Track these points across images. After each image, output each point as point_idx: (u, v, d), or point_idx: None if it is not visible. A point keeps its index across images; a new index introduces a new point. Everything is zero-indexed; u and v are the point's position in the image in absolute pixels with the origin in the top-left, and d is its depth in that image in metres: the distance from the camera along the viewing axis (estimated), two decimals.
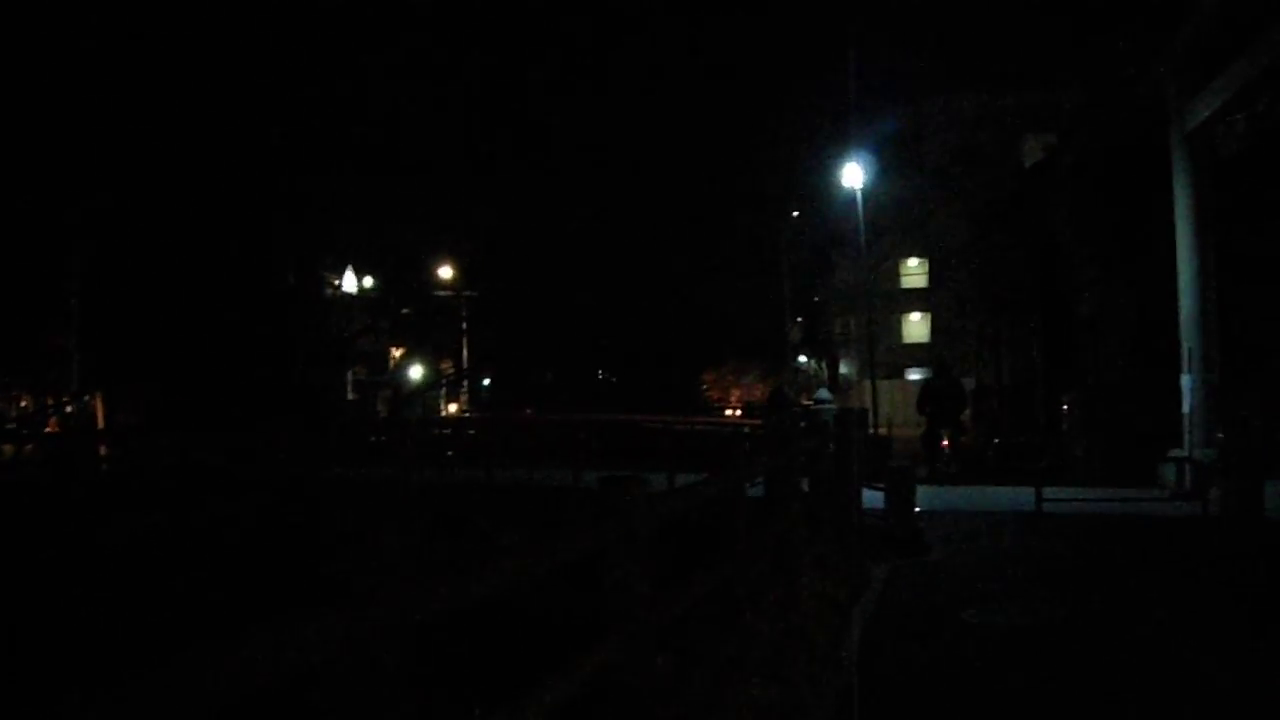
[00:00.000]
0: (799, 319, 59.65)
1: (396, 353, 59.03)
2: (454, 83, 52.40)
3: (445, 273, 55.56)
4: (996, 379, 34.97)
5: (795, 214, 48.87)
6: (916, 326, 57.25)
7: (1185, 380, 14.94)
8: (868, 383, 45.27)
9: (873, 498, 12.09)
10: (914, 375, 53.53)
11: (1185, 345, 16.20)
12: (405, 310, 52.27)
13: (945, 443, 19.61)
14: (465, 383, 59.72)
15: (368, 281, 50.18)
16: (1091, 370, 21.56)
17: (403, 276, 51.70)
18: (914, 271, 57.30)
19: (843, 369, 59.28)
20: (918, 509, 11.89)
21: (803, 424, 12.95)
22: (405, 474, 17.42)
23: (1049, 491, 12.43)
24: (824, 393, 17.45)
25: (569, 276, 56.61)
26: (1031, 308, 28.44)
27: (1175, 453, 16.06)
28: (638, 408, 40.46)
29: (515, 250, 54.00)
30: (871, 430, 19.29)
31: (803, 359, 63.77)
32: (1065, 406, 20.23)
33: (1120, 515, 12.78)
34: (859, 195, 22.15)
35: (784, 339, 52.71)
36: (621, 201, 58.07)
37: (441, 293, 55.09)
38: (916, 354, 55.54)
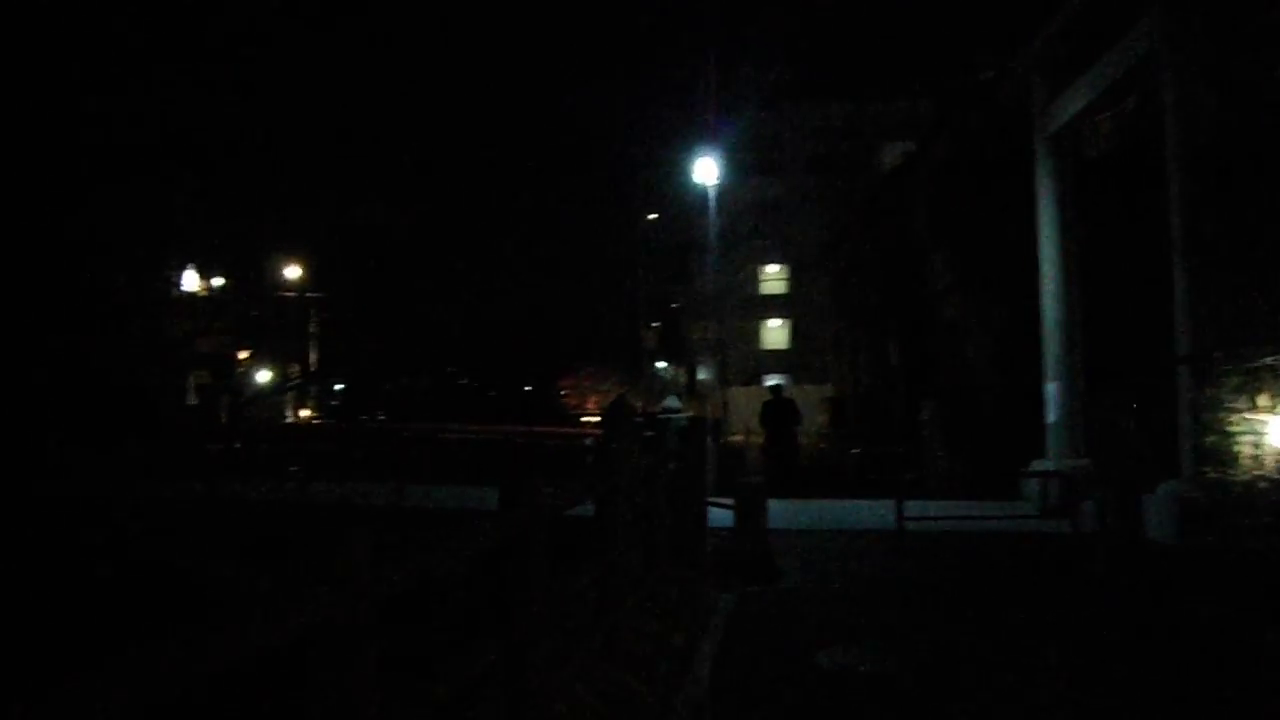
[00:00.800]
0: (655, 324, 58.83)
1: (243, 355, 56.37)
2: (299, 73, 50.23)
3: (292, 273, 53.20)
4: (854, 386, 34.51)
5: (652, 216, 47.99)
6: (776, 333, 56.97)
7: (1049, 388, 14.23)
8: (738, 390, 44.89)
9: (724, 515, 10.96)
10: (772, 381, 53.09)
11: (1048, 351, 15.57)
12: (252, 312, 49.93)
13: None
14: (313, 388, 57.27)
15: (218, 282, 47.82)
16: (952, 378, 20.97)
17: (247, 275, 49.34)
18: (774, 277, 57.17)
19: (701, 375, 58.65)
20: (770, 527, 10.81)
21: (646, 435, 11.76)
22: (211, 489, 15.73)
23: (911, 507, 11.42)
24: (672, 400, 16.34)
25: (419, 278, 54.89)
26: (890, 314, 27.92)
27: (1038, 464, 15.40)
28: (493, 415, 39.01)
29: (362, 250, 52.01)
30: (722, 440, 18.22)
31: (661, 365, 63.03)
32: (924, 414, 19.52)
33: (987, 533, 11.91)
34: (711, 192, 21.06)
35: (639, 344, 51.81)
36: (472, 200, 56.54)
37: (288, 294, 52.74)
38: (776, 360, 55.25)
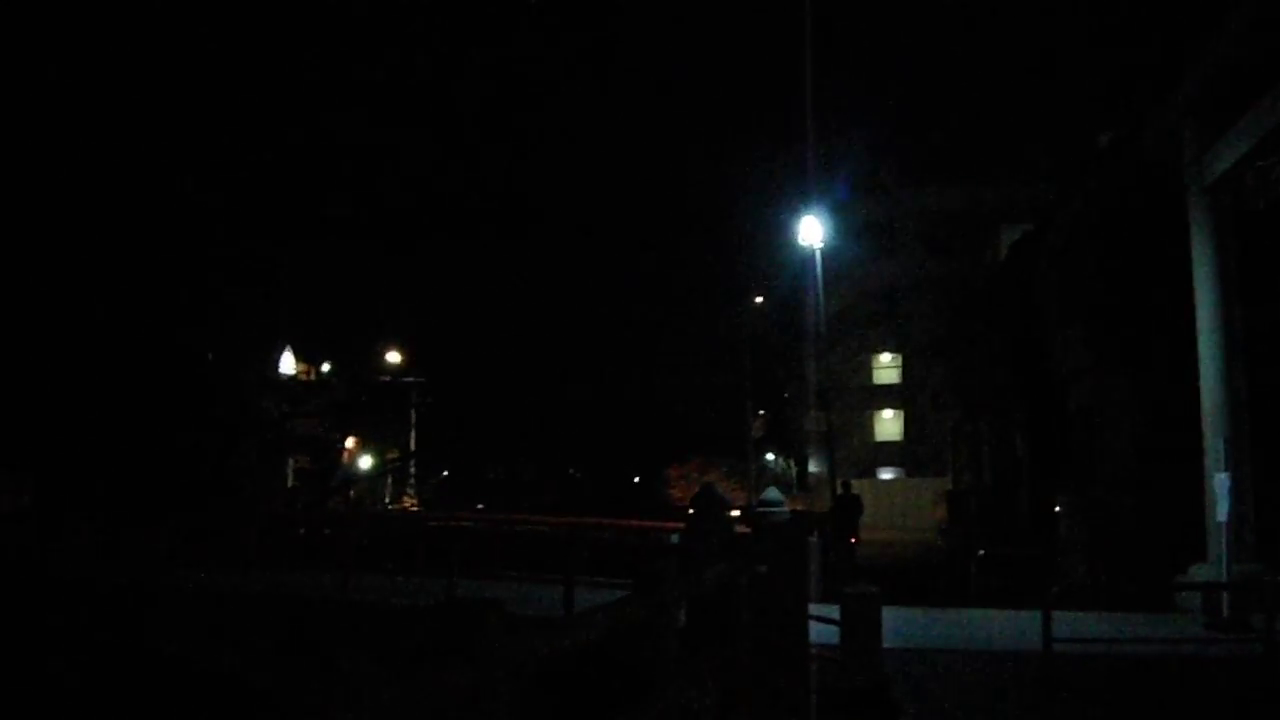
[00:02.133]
0: (761, 412, 56.83)
1: (350, 444, 55.84)
2: (407, 157, 50.20)
3: (393, 357, 52.59)
4: (975, 480, 31.98)
5: (758, 299, 46.24)
6: (889, 424, 54.60)
7: (1219, 480, 11.95)
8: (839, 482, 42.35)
9: (829, 629, 8.97)
10: (886, 474, 50.63)
11: (1210, 438, 13.29)
12: (351, 395, 49.50)
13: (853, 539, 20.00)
14: (413, 476, 56.26)
15: (324, 367, 47.57)
16: (1087, 470, 18.64)
17: (346, 359, 48.98)
18: (887, 366, 55.01)
19: (812, 468, 56.31)
20: (885, 645, 8.80)
21: (736, 531, 9.87)
22: (246, 579, 14.22)
23: (1056, 622, 9.28)
24: (772, 493, 14.27)
25: (523, 365, 53.99)
26: (1014, 402, 25.60)
27: (1200, 570, 13.07)
28: (598, 508, 37.36)
29: (466, 335, 51.42)
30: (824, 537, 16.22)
31: (770, 456, 60.81)
32: (1058, 509, 17.16)
33: (1155, 657, 9.61)
34: (817, 255, 19.06)
35: (747, 434, 49.84)
36: (578, 286, 55.65)
37: (388, 378, 52.16)
38: (889, 451, 52.82)
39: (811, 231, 18.86)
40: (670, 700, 4.45)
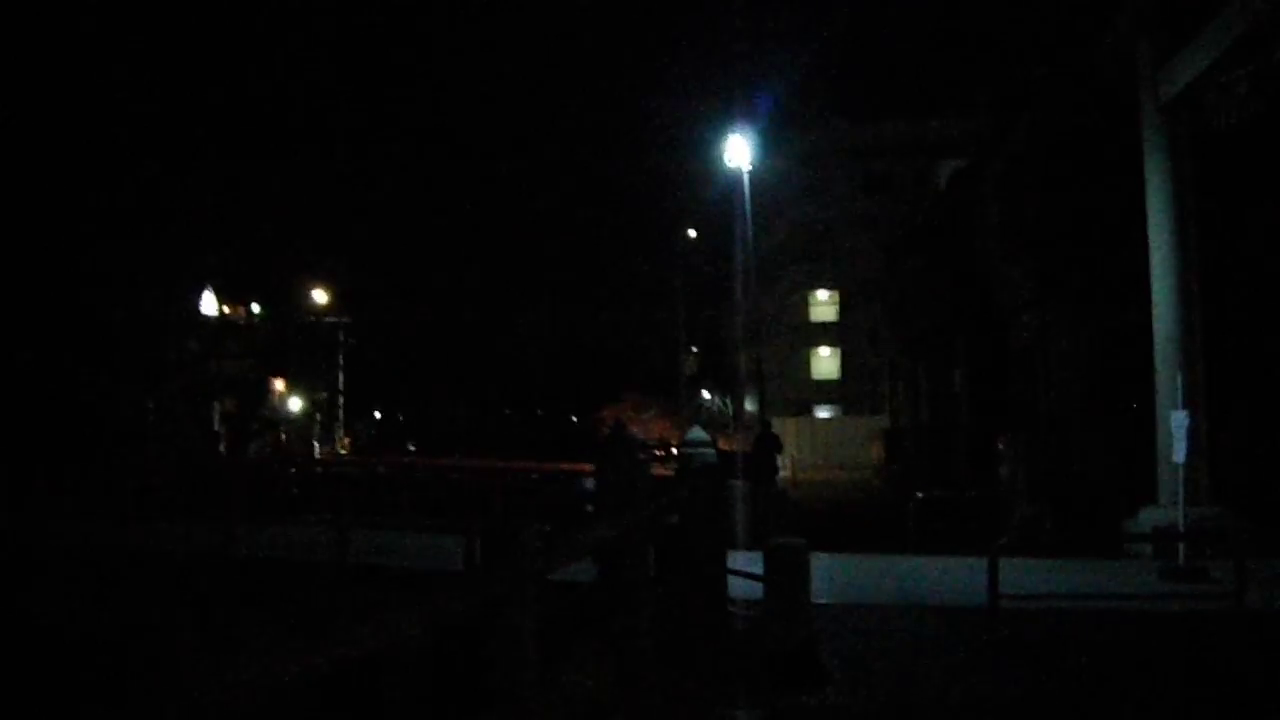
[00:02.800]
0: (695, 349, 55.85)
1: (280, 386, 54.20)
2: (326, 91, 48.39)
3: (321, 297, 50.86)
4: (913, 419, 31.29)
5: (691, 232, 45.05)
6: (826, 362, 53.86)
7: (1176, 419, 11.07)
8: (777, 421, 41.49)
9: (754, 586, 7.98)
10: (823, 413, 50.00)
11: (1164, 372, 12.46)
12: (276, 335, 48.08)
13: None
14: (340, 419, 54.74)
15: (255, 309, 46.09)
16: (1030, 408, 17.88)
17: (273, 299, 47.41)
18: (824, 303, 54.18)
19: (748, 406, 55.50)
20: (815, 601, 7.83)
21: (652, 474, 8.85)
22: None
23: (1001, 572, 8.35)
24: (697, 432, 13.29)
25: (452, 304, 52.54)
26: (953, 338, 24.82)
27: (1150, 513, 12.30)
28: (536, 451, 36.32)
29: (393, 273, 49.85)
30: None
31: (706, 395, 59.99)
32: (1001, 448, 16.31)
33: (1111, 614, 8.71)
34: (745, 177, 17.49)
35: (679, 372, 48.88)
36: (507, 219, 54.13)
37: (314, 318, 50.51)
38: (826, 390, 52.16)
39: (739, 152, 17.51)
40: (528, 705, 3.40)
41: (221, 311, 45.03)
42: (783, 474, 29.10)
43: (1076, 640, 7.89)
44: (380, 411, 65.42)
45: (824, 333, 53.69)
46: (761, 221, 57.51)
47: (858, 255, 48.34)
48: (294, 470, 26.91)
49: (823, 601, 8.28)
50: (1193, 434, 11.26)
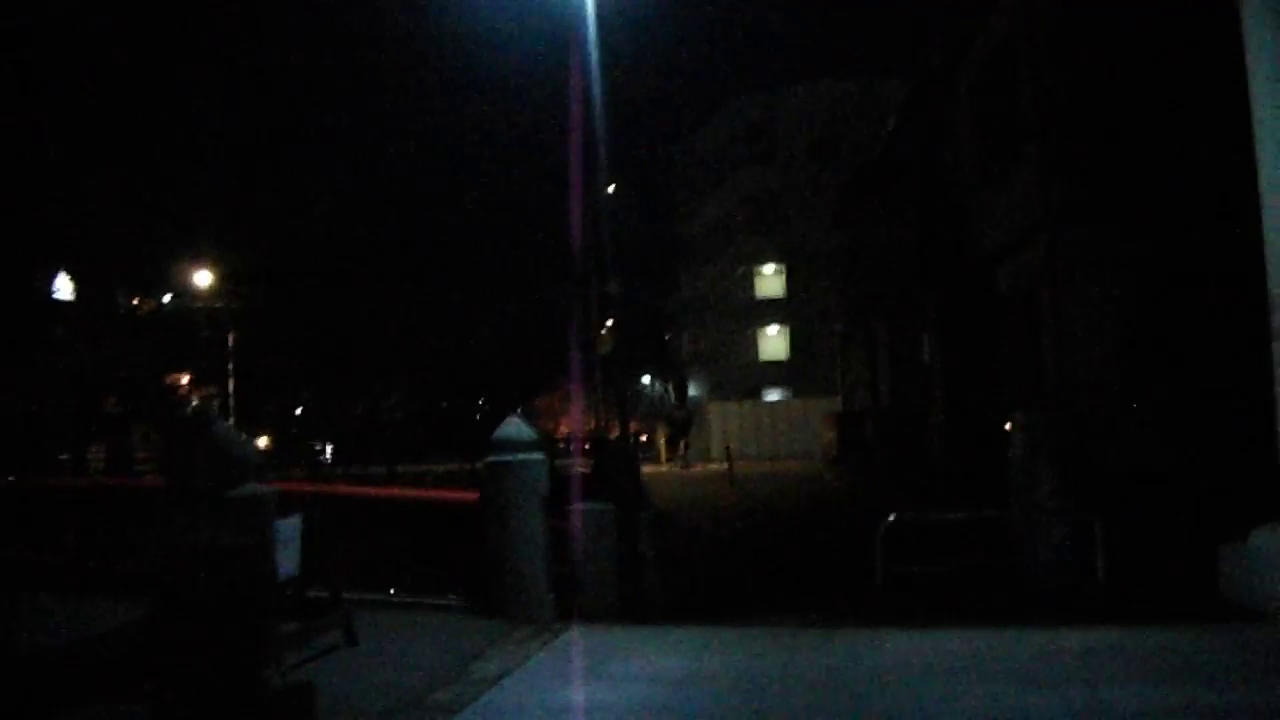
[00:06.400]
0: (608, 322, 50.98)
1: (184, 381, 49.14)
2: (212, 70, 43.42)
3: (204, 279, 45.29)
4: (871, 398, 26.18)
5: (610, 188, 39.83)
6: (774, 342, 49.54)
7: None
8: (717, 405, 36.58)
9: None
10: (772, 396, 45.16)
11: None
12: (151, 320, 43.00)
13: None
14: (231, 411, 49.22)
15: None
16: (1035, 374, 12.75)
17: (147, 282, 41.94)
18: (771, 277, 49.86)
19: (692, 391, 50.78)
20: None
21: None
22: None
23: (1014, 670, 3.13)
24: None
25: (360, 283, 47.52)
26: (920, 294, 19.72)
27: (1263, 534, 7.15)
28: (463, 449, 30.96)
29: (284, 257, 44.79)
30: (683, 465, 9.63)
31: (645, 379, 55.27)
32: (1009, 429, 10.99)
33: None
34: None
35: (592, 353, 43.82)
36: (421, 190, 49.03)
37: (198, 304, 45.16)
38: (775, 371, 47.69)
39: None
40: None
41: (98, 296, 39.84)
42: (718, 466, 24.14)
43: None
44: (302, 407, 59.57)
45: (772, 310, 49.35)
46: (705, 191, 53.23)
47: (808, 223, 44.13)
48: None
49: None
50: None
